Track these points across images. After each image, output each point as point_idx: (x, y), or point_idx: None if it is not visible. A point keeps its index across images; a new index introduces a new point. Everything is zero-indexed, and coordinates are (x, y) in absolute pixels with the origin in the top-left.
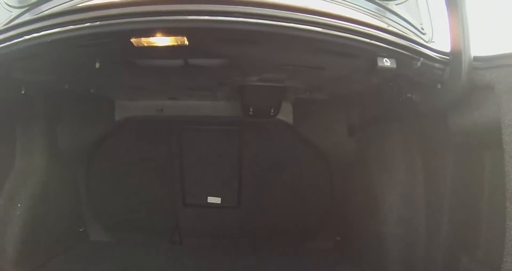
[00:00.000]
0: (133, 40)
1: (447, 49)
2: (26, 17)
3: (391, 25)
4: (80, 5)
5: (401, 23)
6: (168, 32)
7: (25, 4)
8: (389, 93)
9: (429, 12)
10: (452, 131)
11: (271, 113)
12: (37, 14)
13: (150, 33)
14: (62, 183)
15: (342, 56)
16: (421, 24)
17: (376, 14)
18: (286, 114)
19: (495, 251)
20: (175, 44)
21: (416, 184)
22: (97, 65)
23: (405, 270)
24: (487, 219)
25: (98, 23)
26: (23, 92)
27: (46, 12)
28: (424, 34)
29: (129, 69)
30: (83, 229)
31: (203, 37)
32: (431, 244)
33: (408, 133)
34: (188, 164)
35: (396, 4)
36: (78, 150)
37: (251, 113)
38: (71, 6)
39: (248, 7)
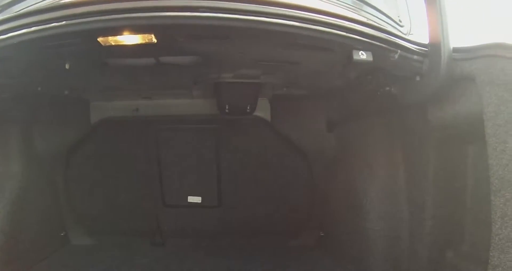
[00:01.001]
0: (100, 39)
1: (426, 41)
2: None
3: (367, 18)
4: (46, 5)
5: (378, 16)
6: (134, 29)
7: None
8: (367, 87)
9: (407, 4)
10: (433, 124)
11: (248, 110)
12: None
13: (116, 31)
14: (41, 187)
15: (317, 50)
16: (398, 17)
17: (353, 7)
18: (263, 111)
19: (481, 245)
20: (143, 42)
21: (397, 179)
22: (67, 66)
23: (389, 265)
24: (471, 213)
25: (63, 22)
26: None
27: (11, 14)
28: (402, 26)
29: (101, 69)
30: (64, 233)
31: (170, 34)
32: (415, 239)
33: (388, 127)
34: (166, 164)
35: None
36: (56, 153)
37: (227, 110)
38: (36, 7)
39: (215, 2)
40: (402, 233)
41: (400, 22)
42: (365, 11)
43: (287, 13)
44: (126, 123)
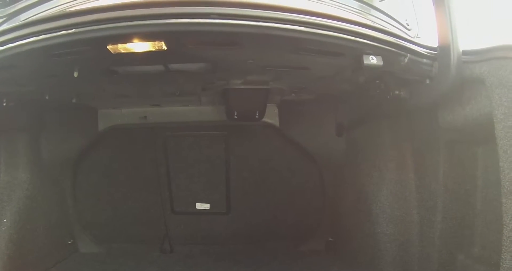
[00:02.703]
0: (109, 47)
1: (434, 44)
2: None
3: (375, 22)
4: (54, 13)
5: (385, 20)
6: (144, 37)
7: (3, 15)
8: (376, 90)
9: (414, 7)
10: (442, 127)
11: (256, 116)
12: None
13: (126, 39)
14: (48, 195)
15: (327, 55)
16: (406, 20)
17: (360, 11)
18: (272, 117)
19: (492, 248)
20: (153, 49)
21: (407, 182)
22: (76, 74)
23: (400, 269)
24: (482, 216)
25: (72, 30)
26: (4, 104)
27: (20, 22)
28: (409, 30)
29: (109, 77)
30: (72, 241)
31: (180, 41)
32: (425, 242)
33: (398, 131)
34: (175, 171)
35: (380, 1)
36: (63, 161)
37: (235, 117)
38: (45, 15)
39: (225, 8)
40: (413, 237)
41: (408, 25)
42: (372, 15)
43: (297, 18)
44: (134, 131)
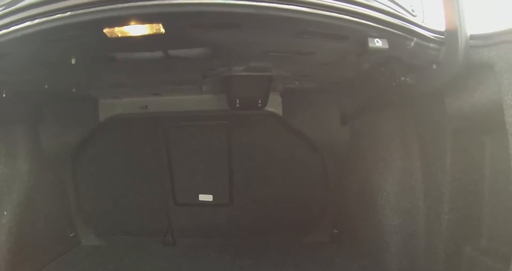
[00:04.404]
0: (106, 30)
1: (441, 29)
2: None
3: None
4: None
5: (390, 6)
6: (141, 19)
7: (2, 3)
8: (381, 78)
9: None
10: (450, 114)
11: (259, 105)
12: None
13: (122, 21)
14: (49, 187)
15: (330, 38)
16: (411, 6)
17: None
18: (275, 105)
19: (500, 239)
20: (151, 32)
21: (414, 172)
22: (73, 61)
23: (405, 261)
24: (489, 207)
25: (68, 13)
26: (4, 95)
27: (14, 7)
28: (414, 16)
29: (108, 64)
30: (73, 234)
31: (179, 24)
32: (431, 233)
33: (403, 119)
34: (177, 161)
35: None
36: (63, 152)
37: (237, 105)
38: None
39: None
40: (419, 228)
41: (413, 11)
42: (377, 1)
43: None
44: (135, 121)
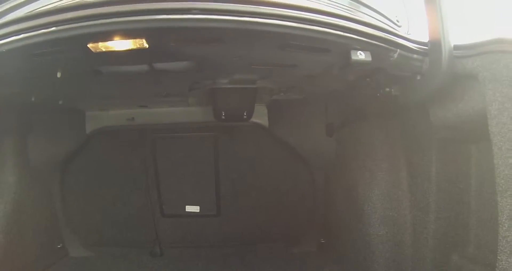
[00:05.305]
0: (90, 45)
1: (425, 40)
2: None
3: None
4: (34, 11)
5: (375, 17)
6: (124, 34)
7: None
8: (366, 88)
9: (404, 4)
10: (435, 124)
11: (244, 116)
12: None
13: (105, 36)
14: (36, 199)
15: (313, 51)
16: (396, 17)
17: (349, 7)
18: (261, 117)
19: (487, 247)
20: (134, 47)
21: (400, 182)
22: (59, 75)
23: (393, 270)
24: (476, 215)
25: (52, 29)
26: None
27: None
28: (399, 26)
29: (94, 78)
30: (61, 245)
31: (162, 38)
32: (418, 243)
33: (389, 130)
34: (164, 173)
35: None
36: (51, 164)
37: (223, 117)
38: (24, 14)
39: (207, 3)
40: (406, 237)
41: (398, 22)
42: (361, 12)
43: (282, 13)
44: (122, 133)
